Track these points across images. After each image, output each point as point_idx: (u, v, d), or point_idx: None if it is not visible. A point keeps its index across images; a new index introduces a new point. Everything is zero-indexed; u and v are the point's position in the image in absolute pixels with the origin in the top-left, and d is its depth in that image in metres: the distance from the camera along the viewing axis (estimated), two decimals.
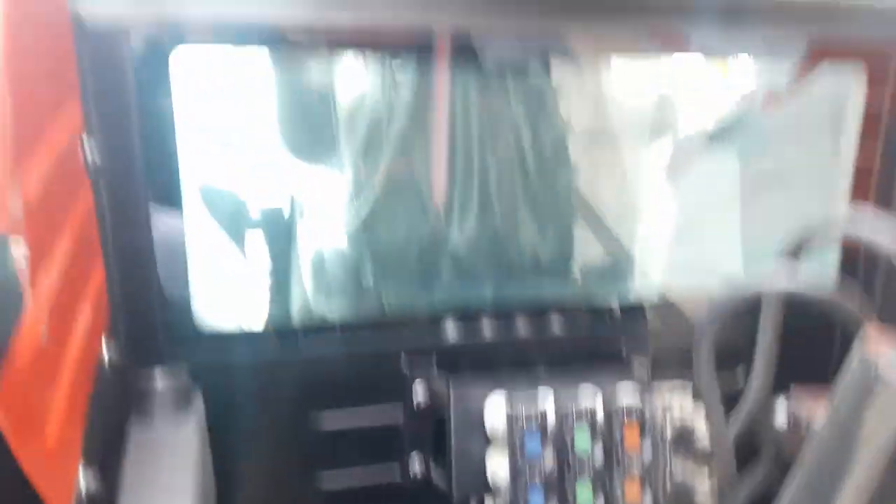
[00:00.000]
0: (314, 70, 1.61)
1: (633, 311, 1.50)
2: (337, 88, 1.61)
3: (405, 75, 1.53)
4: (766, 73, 1.86)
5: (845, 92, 1.44)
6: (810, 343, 0.97)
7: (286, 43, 1.32)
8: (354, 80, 1.60)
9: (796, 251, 0.87)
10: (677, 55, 1.69)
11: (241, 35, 1.26)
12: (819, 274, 0.86)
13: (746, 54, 1.69)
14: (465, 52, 1.43)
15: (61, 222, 0.97)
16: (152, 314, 1.21)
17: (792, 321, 0.90)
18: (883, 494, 0.63)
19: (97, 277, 1.12)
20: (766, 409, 0.88)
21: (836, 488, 0.66)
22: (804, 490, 0.71)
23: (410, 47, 1.40)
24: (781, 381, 0.92)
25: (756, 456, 0.94)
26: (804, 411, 0.87)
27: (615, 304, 1.50)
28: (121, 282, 1.17)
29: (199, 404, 1.19)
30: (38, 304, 0.82)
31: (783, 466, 0.87)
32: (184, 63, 1.17)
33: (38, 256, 0.85)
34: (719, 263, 1.83)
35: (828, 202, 1.54)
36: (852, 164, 1.43)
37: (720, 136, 1.96)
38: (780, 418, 0.87)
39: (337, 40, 1.33)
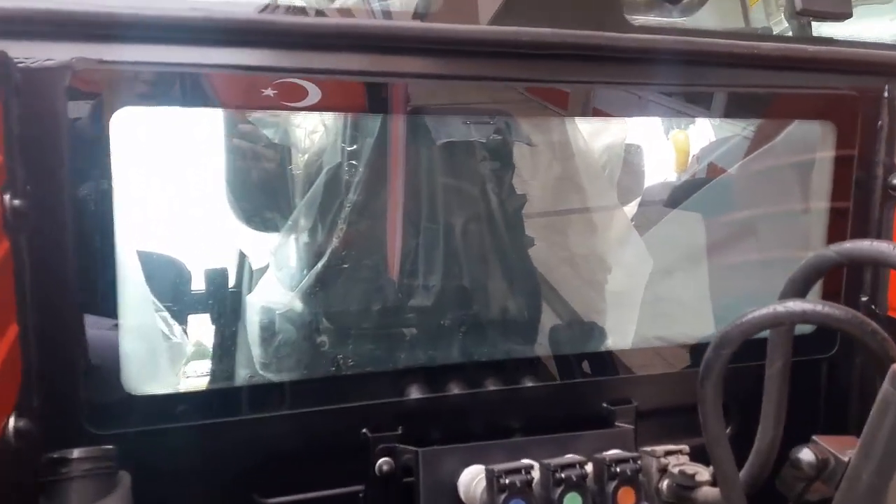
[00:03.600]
0: (268, 134, 1.49)
1: (612, 366, 1.45)
2: (291, 153, 1.52)
3: (362, 141, 1.44)
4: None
5: (814, 147, 1.50)
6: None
7: (238, 107, 1.21)
8: (309, 143, 1.51)
9: (808, 280, 0.81)
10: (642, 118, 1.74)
11: (193, 97, 1.11)
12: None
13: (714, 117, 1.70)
14: (421, 126, 1.36)
15: None
16: (73, 380, 1.04)
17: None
18: None
19: (8, 340, 0.93)
20: (780, 455, 0.87)
21: None
22: None
23: (366, 115, 1.33)
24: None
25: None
26: (830, 454, 0.84)
27: (592, 361, 1.46)
28: (36, 345, 1.00)
29: (124, 486, 1.01)
30: None
31: None
32: (126, 125, 1.06)
33: None
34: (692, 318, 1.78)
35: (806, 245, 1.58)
36: (826, 209, 1.49)
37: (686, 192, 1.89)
38: (808, 461, 0.83)
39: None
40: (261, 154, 1.49)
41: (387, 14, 1.26)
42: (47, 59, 0.99)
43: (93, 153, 1.03)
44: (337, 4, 1.28)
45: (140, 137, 1.15)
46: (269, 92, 1.11)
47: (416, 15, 1.26)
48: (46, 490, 0.95)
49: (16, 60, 0.97)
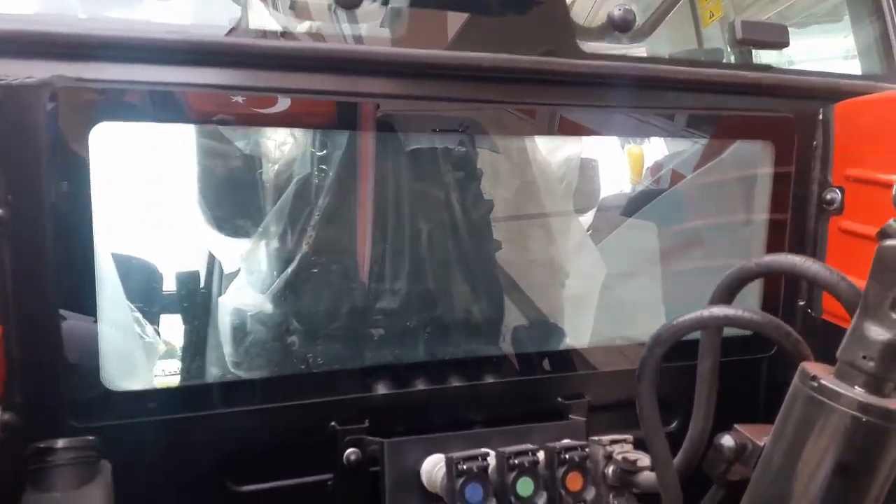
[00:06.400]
0: (239, 146, 1.55)
1: (567, 364, 1.54)
2: (262, 163, 1.57)
3: (331, 149, 1.50)
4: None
5: (756, 164, 1.61)
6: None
7: (210, 120, 1.23)
8: (279, 154, 1.56)
9: (731, 289, 0.90)
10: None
11: (167, 112, 1.17)
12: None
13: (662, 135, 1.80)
14: (389, 135, 1.43)
15: None
16: (55, 376, 1.10)
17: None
18: (830, 501, 0.72)
19: None
20: (710, 440, 0.95)
21: (786, 500, 0.74)
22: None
23: (336, 124, 1.38)
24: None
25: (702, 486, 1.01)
26: (748, 440, 0.93)
27: (548, 359, 1.55)
28: (19, 342, 1.07)
29: (105, 473, 1.07)
30: None
31: (732, 489, 0.93)
32: (103, 138, 1.10)
33: None
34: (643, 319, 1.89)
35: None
36: (766, 221, 1.62)
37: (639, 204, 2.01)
38: (729, 446, 0.93)
39: (262, 118, 1.26)
40: (232, 164, 1.54)
41: (357, 38, 1.34)
42: (28, 77, 1.04)
43: (72, 165, 1.08)
44: (306, 27, 1.35)
45: (117, 150, 1.21)
46: (238, 98, 1.17)
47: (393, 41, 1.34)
48: (33, 477, 1.01)
49: None
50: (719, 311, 0.87)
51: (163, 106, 1.16)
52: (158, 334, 1.59)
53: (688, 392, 1.00)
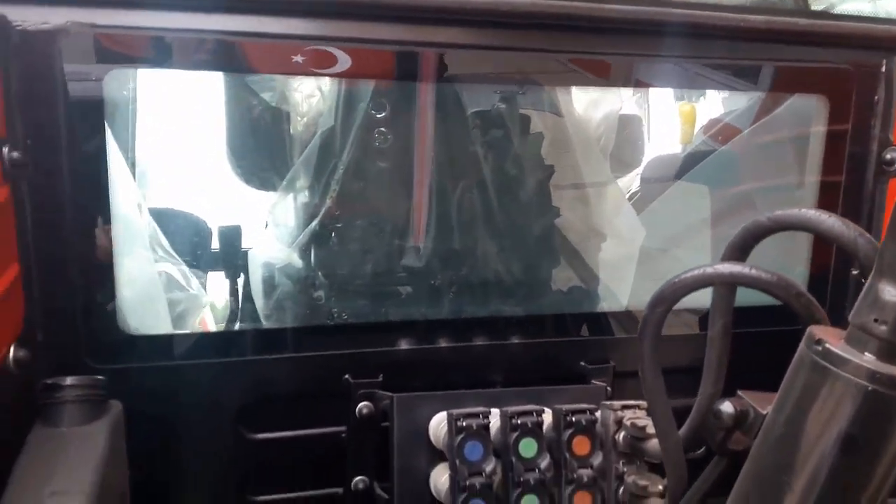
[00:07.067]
0: (266, 96, 1.52)
1: (595, 328, 1.49)
2: (291, 114, 1.55)
3: (356, 106, 1.47)
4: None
5: (809, 121, 1.50)
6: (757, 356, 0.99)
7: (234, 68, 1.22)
8: (306, 109, 1.55)
9: (744, 245, 0.84)
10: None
11: (191, 62, 1.17)
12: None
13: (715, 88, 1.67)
14: (441, 90, 1.39)
15: None
16: (72, 316, 1.13)
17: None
18: (832, 475, 0.65)
19: (8, 278, 1.02)
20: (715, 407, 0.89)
21: (787, 472, 0.68)
22: (757, 477, 0.72)
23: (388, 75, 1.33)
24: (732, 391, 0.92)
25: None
26: (751, 407, 0.88)
27: (575, 322, 1.50)
28: (38, 283, 1.09)
29: (115, 413, 1.09)
30: None
31: (733, 459, 0.89)
32: (119, 84, 1.12)
33: None
34: None
35: None
36: (817, 183, 1.51)
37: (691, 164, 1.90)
38: (728, 413, 0.88)
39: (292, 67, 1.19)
40: (259, 116, 1.54)
41: None
42: (43, 23, 1.05)
43: (86, 111, 1.10)
44: None
45: (133, 96, 1.22)
46: (299, 58, 1.14)
47: None
48: (42, 412, 1.05)
49: (14, 23, 1.04)
50: (724, 268, 0.81)
51: (187, 56, 1.15)
52: (179, 281, 1.62)
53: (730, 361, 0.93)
